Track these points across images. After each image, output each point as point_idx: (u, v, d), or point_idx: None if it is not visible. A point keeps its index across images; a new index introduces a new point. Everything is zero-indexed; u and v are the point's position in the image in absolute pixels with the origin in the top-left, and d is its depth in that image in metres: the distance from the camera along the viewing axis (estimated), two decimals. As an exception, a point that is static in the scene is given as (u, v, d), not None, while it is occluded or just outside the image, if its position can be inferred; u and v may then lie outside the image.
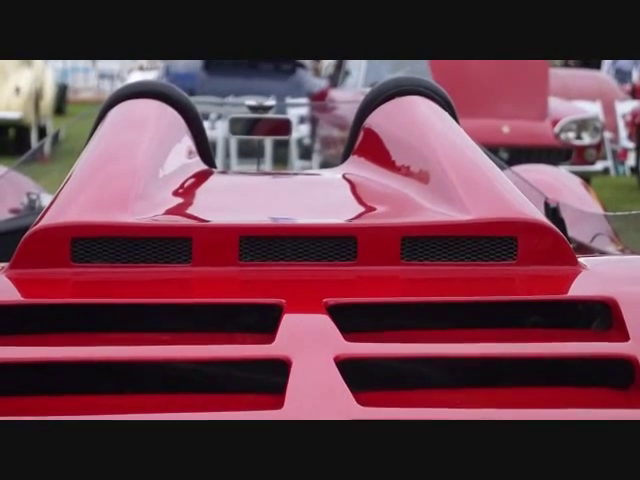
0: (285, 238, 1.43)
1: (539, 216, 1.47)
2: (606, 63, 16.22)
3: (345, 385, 1.08)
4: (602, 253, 2.66)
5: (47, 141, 10.63)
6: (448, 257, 1.43)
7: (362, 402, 1.06)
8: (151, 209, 1.50)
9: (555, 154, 9.35)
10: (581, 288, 1.39)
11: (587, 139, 9.73)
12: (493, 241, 1.44)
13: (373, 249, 1.42)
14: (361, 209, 1.73)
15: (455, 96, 2.12)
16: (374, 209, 1.65)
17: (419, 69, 8.91)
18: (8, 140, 12.86)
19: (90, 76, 24.83)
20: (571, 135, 9.67)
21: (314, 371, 1.11)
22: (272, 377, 1.16)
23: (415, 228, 1.45)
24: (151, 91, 2.00)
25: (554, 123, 9.58)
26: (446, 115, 1.90)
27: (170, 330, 1.29)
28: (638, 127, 11.43)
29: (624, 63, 15.86)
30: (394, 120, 1.92)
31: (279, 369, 1.15)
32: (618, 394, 1.19)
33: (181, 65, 12.69)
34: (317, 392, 1.08)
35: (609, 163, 12.23)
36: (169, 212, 1.55)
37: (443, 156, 1.64)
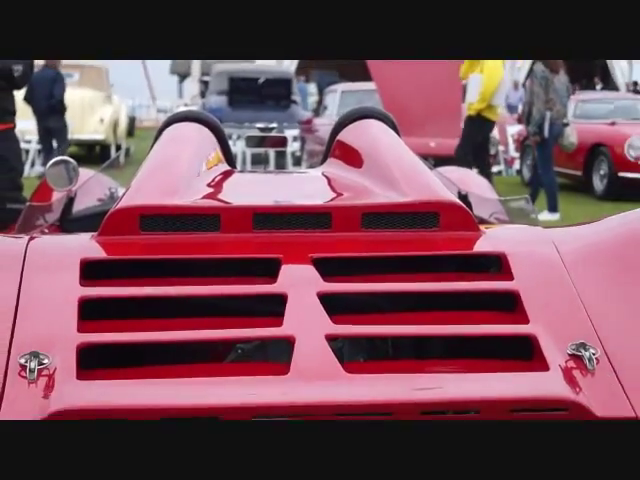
0: (284, 214, 1.43)
1: (454, 199, 1.48)
2: (500, 99, 16.09)
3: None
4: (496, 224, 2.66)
5: (121, 154, 10.55)
6: (393, 226, 1.44)
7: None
8: (192, 196, 1.50)
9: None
10: (482, 246, 1.40)
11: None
12: (424, 215, 1.44)
13: (343, 221, 1.42)
14: (334, 195, 1.73)
15: (399, 120, 2.11)
16: (342, 194, 1.66)
17: (375, 103, 8.89)
18: (95, 154, 12.82)
19: (151, 110, 24.60)
20: (476, 148, 9.63)
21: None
22: (274, 307, 1.18)
23: (371, 207, 1.45)
24: (192, 117, 1.98)
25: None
26: (392, 133, 1.90)
27: (206, 276, 1.30)
28: (522, 143, 11.45)
29: (512, 100, 15.79)
30: (357, 135, 1.91)
31: (279, 301, 1.18)
32: (506, 316, 1.21)
33: (213, 102, 12.58)
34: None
35: (502, 167, 12.27)
36: (205, 197, 1.54)
37: (390, 159, 1.64)
